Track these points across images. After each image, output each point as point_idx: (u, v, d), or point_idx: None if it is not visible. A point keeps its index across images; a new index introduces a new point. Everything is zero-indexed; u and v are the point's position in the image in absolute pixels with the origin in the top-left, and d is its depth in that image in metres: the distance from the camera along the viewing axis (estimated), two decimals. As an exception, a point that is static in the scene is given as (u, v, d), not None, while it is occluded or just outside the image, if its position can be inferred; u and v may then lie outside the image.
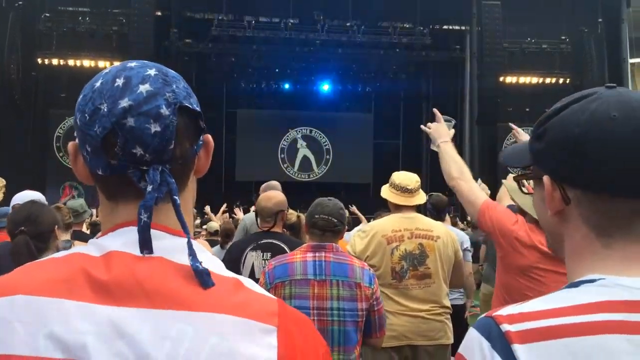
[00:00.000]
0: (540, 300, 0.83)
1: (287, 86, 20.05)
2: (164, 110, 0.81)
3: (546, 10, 16.49)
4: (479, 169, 15.73)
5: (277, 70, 18.96)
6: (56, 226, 2.69)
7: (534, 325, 0.77)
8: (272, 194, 3.49)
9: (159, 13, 16.23)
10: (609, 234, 0.85)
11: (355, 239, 3.72)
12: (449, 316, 3.79)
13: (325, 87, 20.12)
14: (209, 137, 0.91)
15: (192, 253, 0.80)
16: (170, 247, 0.82)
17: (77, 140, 0.86)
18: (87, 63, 15.42)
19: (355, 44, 17.02)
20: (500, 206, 2.87)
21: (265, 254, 3.25)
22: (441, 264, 3.67)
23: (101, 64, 14.73)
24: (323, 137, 21.02)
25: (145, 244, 0.80)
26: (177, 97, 0.83)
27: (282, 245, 3.26)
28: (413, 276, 3.63)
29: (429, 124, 2.91)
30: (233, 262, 3.25)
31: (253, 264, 3.24)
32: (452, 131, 2.89)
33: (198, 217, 9.65)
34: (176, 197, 0.82)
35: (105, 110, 0.81)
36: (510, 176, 3.12)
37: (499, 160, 1.05)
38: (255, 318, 0.78)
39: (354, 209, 9.12)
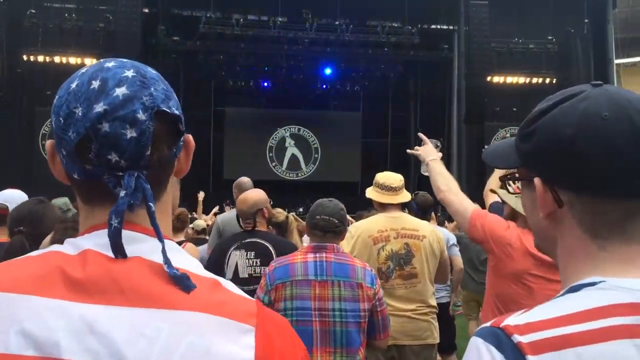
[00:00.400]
0: (543, 307, 0.81)
1: (275, 85, 19.99)
2: (141, 115, 0.79)
3: (533, 10, 16.59)
4: (467, 168, 15.81)
5: (265, 68, 18.90)
6: None
7: (544, 336, 0.76)
8: (247, 196, 3.46)
9: (146, 10, 16.11)
10: (603, 236, 0.84)
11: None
12: (435, 316, 3.81)
13: (314, 85, 20.09)
14: (190, 137, 0.89)
15: (167, 261, 0.78)
16: (148, 248, 0.80)
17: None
18: (73, 60, 15.25)
19: (343, 43, 16.99)
20: (490, 214, 2.86)
21: (249, 252, 3.24)
22: (427, 263, 3.68)
23: (87, 61, 14.56)
24: (311, 136, 20.99)
25: (118, 249, 0.78)
26: (154, 100, 0.81)
27: (266, 244, 3.25)
28: (399, 276, 3.63)
29: (416, 147, 2.98)
30: (217, 261, 3.24)
31: (237, 263, 3.23)
32: (439, 154, 2.95)
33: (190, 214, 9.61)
34: (151, 204, 0.80)
35: (80, 114, 0.79)
36: (496, 175, 3.12)
37: (482, 158, 1.03)
38: (233, 317, 0.77)
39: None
